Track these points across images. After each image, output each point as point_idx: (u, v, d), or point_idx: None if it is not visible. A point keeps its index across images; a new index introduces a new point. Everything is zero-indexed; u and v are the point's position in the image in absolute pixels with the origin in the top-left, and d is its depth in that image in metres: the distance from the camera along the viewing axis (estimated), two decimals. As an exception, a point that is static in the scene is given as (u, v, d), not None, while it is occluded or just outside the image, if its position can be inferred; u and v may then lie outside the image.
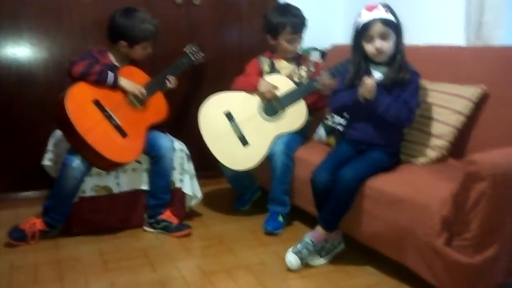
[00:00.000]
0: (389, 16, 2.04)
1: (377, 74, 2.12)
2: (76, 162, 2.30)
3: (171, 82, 2.63)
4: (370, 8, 2.05)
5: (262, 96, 2.61)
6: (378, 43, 2.04)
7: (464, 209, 1.60)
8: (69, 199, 2.35)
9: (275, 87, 2.60)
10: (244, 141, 2.55)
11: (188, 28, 3.11)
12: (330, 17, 3.53)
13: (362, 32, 2.08)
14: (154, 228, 2.51)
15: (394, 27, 2.05)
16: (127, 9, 2.49)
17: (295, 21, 2.65)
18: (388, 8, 2.06)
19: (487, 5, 2.39)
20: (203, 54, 2.81)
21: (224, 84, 2.74)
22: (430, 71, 2.29)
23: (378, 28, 2.03)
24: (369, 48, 2.08)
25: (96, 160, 2.32)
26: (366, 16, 2.05)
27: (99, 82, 2.37)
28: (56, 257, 2.21)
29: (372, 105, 2.06)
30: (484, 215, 1.56)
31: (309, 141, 2.69)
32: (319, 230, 2.08)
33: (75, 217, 2.41)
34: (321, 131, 2.61)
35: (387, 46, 2.05)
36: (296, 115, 2.59)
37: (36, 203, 2.61)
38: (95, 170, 2.39)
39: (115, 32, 2.47)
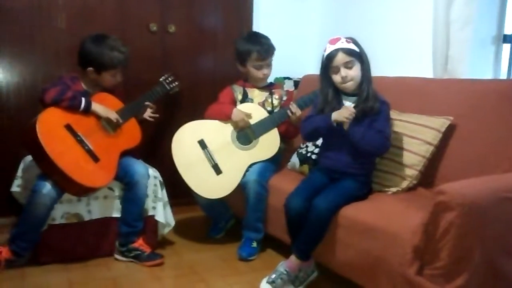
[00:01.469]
0: (352, 46, 2.11)
1: (348, 104, 2.16)
2: (47, 188, 2.25)
3: (151, 107, 2.64)
4: (333, 41, 2.13)
5: (235, 124, 2.63)
6: (343, 72, 2.10)
7: (434, 238, 1.63)
8: (38, 227, 2.29)
9: (248, 116, 2.62)
10: (217, 170, 2.55)
11: (162, 56, 3.13)
12: (303, 48, 3.60)
13: (328, 64, 2.14)
14: (125, 256, 2.46)
15: (357, 56, 2.12)
16: (97, 36, 2.48)
17: (261, 48, 2.69)
18: (351, 39, 2.13)
19: (452, 40, 2.49)
20: (178, 84, 2.83)
21: (198, 112, 2.75)
22: (399, 102, 2.34)
23: (341, 58, 2.10)
24: (336, 78, 2.14)
25: (67, 185, 2.28)
26: (329, 49, 2.12)
27: (72, 108, 2.35)
28: (21, 287, 2.14)
29: (348, 135, 2.10)
30: (454, 244, 1.59)
31: (283, 169, 2.70)
32: (293, 260, 2.08)
33: (44, 245, 2.34)
34: (294, 160, 2.63)
35: (352, 74, 2.11)
36: (269, 144, 2.61)
37: (3, 230, 2.54)
38: (65, 197, 2.34)
39: (84, 58, 2.47)
